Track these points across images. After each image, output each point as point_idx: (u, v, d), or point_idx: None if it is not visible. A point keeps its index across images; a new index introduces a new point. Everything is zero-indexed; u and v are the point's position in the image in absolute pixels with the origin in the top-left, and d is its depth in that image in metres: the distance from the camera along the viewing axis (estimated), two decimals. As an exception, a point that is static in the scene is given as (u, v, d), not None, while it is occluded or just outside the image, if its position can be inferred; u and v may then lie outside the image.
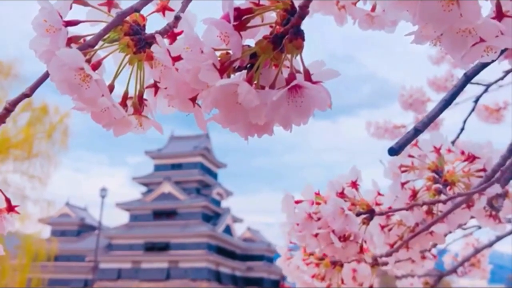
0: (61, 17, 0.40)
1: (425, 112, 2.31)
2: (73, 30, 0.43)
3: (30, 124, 11.61)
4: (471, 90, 1.41)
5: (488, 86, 1.16)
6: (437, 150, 0.81)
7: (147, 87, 0.46)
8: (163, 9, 0.47)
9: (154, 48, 0.40)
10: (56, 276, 22.13)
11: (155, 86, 0.47)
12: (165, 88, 0.45)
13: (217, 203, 27.75)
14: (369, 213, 0.75)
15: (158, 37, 0.41)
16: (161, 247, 25.55)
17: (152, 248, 25.62)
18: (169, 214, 26.33)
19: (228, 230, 27.00)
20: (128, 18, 0.42)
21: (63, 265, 23.94)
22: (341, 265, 0.87)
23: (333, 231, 0.70)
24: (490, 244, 1.54)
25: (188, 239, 25.11)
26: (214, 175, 28.88)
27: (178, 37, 0.44)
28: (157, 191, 26.81)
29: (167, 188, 26.55)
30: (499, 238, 1.49)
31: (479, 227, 1.38)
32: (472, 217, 0.87)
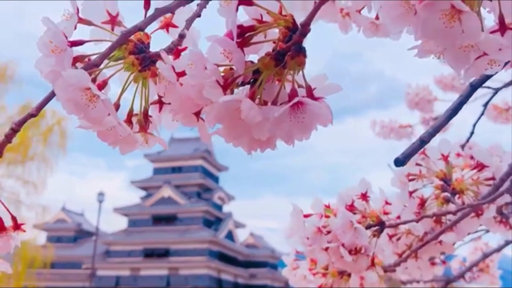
0: (66, 37, 0.42)
1: (432, 112, 2.30)
2: (77, 49, 0.44)
3: (25, 127, 11.61)
4: (479, 91, 1.42)
5: (497, 90, 1.18)
6: (445, 158, 0.82)
7: (151, 104, 0.48)
8: (167, 26, 0.48)
9: (159, 64, 0.42)
10: (52, 284, 22.13)
11: (160, 103, 0.48)
12: (169, 103, 0.47)
13: (219, 207, 27.72)
14: (379, 226, 0.76)
15: (163, 54, 0.43)
16: (161, 254, 25.52)
17: (152, 254, 25.60)
18: (169, 219, 26.30)
19: (230, 235, 26.96)
20: (132, 37, 0.44)
21: (59, 273, 23.93)
22: (349, 275, 0.88)
23: (343, 244, 0.71)
24: (499, 249, 1.55)
25: (188, 245, 25.07)
26: (216, 179, 28.86)
27: (182, 54, 0.45)
28: (156, 195, 26.79)
29: (167, 192, 26.53)
30: (508, 243, 1.50)
31: (488, 231, 1.39)
32: (480, 225, 0.88)
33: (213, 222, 26.50)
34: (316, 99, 0.40)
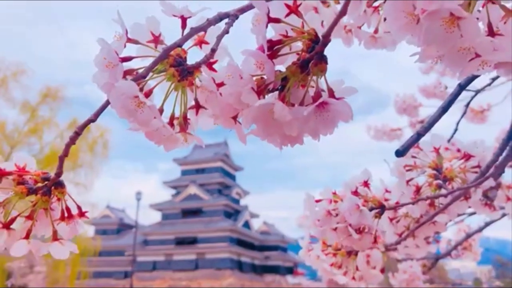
0: (117, 54, 0.41)
1: (417, 116, 2.30)
2: (126, 65, 0.43)
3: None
4: (461, 93, 1.39)
5: (477, 92, 1.15)
6: (437, 150, 0.80)
7: (189, 108, 0.47)
8: (200, 43, 0.47)
9: (202, 77, 0.41)
10: (100, 269, 22.30)
11: (196, 107, 0.47)
12: (206, 108, 0.46)
13: (236, 201, 27.74)
14: (381, 208, 0.74)
15: (205, 69, 0.42)
16: (190, 241, 25.58)
17: (182, 242, 25.67)
18: (195, 212, 26.38)
19: (246, 224, 26.96)
20: (172, 52, 0.43)
21: (106, 260, 24.11)
22: (356, 254, 0.87)
23: (350, 225, 0.70)
24: (480, 229, 1.52)
25: (212, 233, 25.12)
26: (233, 177, 28.91)
27: (218, 67, 0.45)
28: (184, 192, 26.90)
29: (193, 190, 26.63)
30: (487, 224, 1.47)
31: (470, 215, 1.36)
32: (469, 207, 0.86)
33: (232, 213, 26.53)
34: (337, 99, 0.39)
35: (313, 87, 0.40)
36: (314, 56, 0.39)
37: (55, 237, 0.43)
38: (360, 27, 0.70)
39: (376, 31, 0.69)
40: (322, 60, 0.39)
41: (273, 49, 0.40)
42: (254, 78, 0.41)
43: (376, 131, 2.36)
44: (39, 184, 0.43)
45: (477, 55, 0.40)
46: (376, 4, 0.67)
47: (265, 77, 0.40)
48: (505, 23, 0.41)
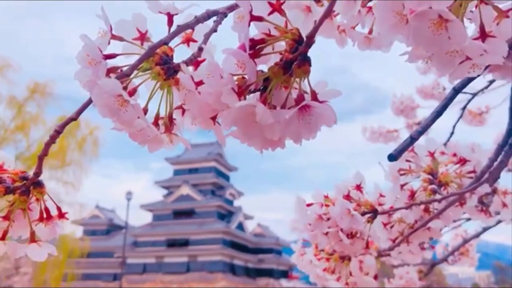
0: (101, 51, 0.41)
1: (415, 117, 2.30)
2: (111, 62, 0.43)
3: (63, 136, 11.66)
4: (456, 97, 1.40)
5: (474, 95, 1.16)
6: (432, 155, 0.81)
7: (175, 109, 0.47)
8: (188, 40, 0.48)
9: (180, 74, 0.41)
10: (88, 271, 22.24)
11: (182, 107, 0.47)
12: (188, 110, 0.46)
13: (230, 202, 27.72)
14: (373, 213, 0.75)
15: (183, 66, 0.42)
16: (181, 243, 25.53)
17: (173, 244, 25.62)
18: (187, 214, 26.33)
19: (240, 226, 26.94)
20: (158, 50, 0.43)
21: (94, 261, 24.03)
22: (349, 259, 0.87)
23: (341, 229, 0.70)
24: (478, 235, 1.53)
25: (205, 235, 25.08)
26: (227, 178, 28.88)
27: (200, 65, 0.44)
28: (176, 193, 26.85)
29: (185, 190, 26.58)
30: (485, 229, 1.48)
31: (467, 220, 1.37)
32: (464, 213, 0.87)
33: (226, 215, 26.51)
34: (320, 102, 0.39)
35: (296, 89, 0.40)
36: (297, 57, 0.39)
37: (33, 238, 0.43)
38: (354, 27, 0.70)
39: (370, 32, 0.69)
40: (305, 61, 0.39)
41: (255, 48, 0.40)
42: (235, 78, 0.41)
43: (372, 133, 2.36)
44: (17, 184, 0.43)
45: (468, 58, 0.41)
46: (370, 4, 0.67)
47: (246, 77, 0.40)
48: (497, 24, 0.41)
